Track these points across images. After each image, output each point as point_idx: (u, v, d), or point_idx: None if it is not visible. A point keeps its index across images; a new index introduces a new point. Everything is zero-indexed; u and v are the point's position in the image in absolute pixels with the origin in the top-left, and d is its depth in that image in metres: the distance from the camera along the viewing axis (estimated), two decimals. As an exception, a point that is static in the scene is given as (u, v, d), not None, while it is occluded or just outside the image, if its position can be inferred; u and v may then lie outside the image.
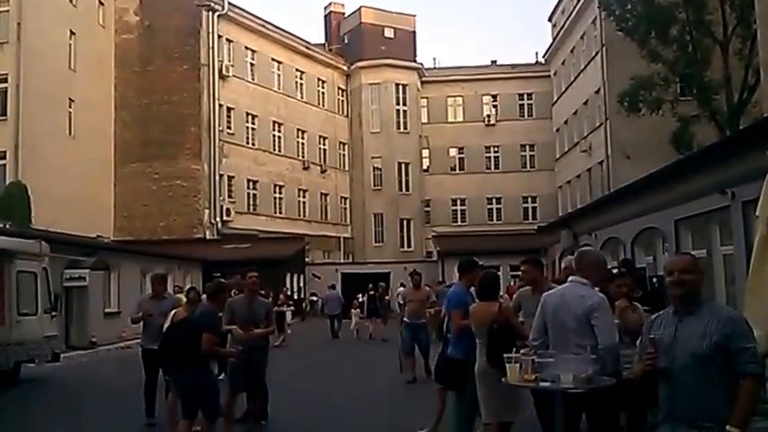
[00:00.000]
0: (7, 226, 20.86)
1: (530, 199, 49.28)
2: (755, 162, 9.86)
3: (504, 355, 5.68)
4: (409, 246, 47.61)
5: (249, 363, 8.29)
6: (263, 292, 19.05)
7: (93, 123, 35.13)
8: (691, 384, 3.75)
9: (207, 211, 37.21)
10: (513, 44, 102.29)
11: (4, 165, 30.14)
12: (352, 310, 27.68)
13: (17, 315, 14.35)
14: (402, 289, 16.36)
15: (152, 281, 10.51)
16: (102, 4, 37.19)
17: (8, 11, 30.83)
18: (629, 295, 6.74)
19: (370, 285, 26.63)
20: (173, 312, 8.83)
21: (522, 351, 5.45)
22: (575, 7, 40.54)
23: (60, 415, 11.09)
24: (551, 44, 47.37)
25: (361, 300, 27.45)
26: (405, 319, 14.08)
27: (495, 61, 52.30)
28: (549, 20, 49.83)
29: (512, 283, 25.77)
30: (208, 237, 36.98)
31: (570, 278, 5.51)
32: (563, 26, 43.76)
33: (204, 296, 8.58)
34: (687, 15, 26.22)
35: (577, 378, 4.93)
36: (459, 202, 50.20)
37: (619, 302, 6.51)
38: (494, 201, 49.85)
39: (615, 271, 8.01)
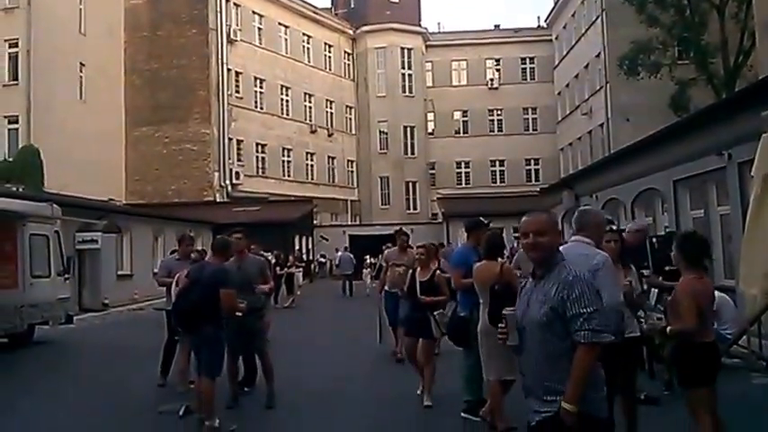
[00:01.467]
0: (20, 189, 20.85)
1: (532, 161, 49.17)
2: (751, 124, 9.79)
3: (504, 311, 5.70)
4: (415, 208, 47.64)
5: (243, 327, 7.86)
6: (268, 253, 19.18)
7: (104, 87, 34.91)
8: (536, 355, 3.51)
9: (216, 174, 37.21)
10: (515, 8, 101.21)
11: (17, 129, 30.04)
12: (364, 270, 28.26)
13: (30, 277, 14.30)
14: (387, 251, 12.71)
15: (179, 241, 10.12)
16: (112, -31, 36.80)
17: (18, -24, 30.58)
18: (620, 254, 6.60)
19: (383, 247, 26.59)
20: (177, 275, 8.53)
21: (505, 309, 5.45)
22: (576, -30, 40.19)
23: (73, 376, 11.13)
24: (553, 8, 46.95)
25: (371, 260, 27.61)
26: (385, 287, 11.49)
27: (499, 26, 52.05)
28: (552, -17, 49.29)
29: (515, 244, 25.86)
30: (218, 200, 37.00)
31: (572, 237, 5.34)
32: (564, -9, 43.38)
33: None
34: (684, -21, 26.04)
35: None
36: (463, 164, 50.10)
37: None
38: (497, 163, 49.74)
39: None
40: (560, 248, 5.27)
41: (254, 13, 41.27)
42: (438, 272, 8.36)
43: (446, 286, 8.17)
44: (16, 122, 30.09)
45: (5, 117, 30.23)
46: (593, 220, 5.43)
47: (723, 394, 5.39)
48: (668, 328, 5.40)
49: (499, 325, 3.77)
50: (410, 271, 8.75)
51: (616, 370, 5.22)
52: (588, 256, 4.99)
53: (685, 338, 5.26)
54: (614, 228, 7.38)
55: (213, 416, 6.91)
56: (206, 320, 6.94)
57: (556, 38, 46.87)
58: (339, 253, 31.17)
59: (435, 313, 7.96)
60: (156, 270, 12.09)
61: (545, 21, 49.34)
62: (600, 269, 4.92)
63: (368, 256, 28.83)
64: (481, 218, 8.48)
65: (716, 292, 5.92)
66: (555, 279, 3.49)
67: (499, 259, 7.10)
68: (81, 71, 33.27)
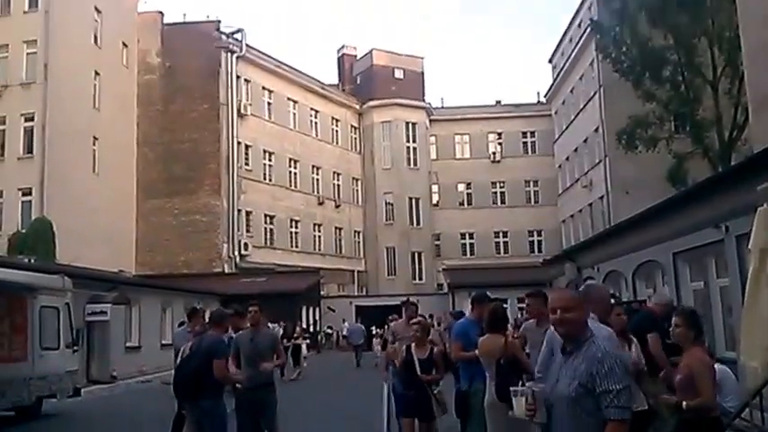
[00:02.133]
0: (31, 261, 20.83)
1: (535, 233, 49.19)
2: (747, 197, 9.83)
3: (511, 389, 5.64)
4: (421, 278, 47.49)
5: (254, 402, 7.74)
6: (275, 324, 19.07)
7: (117, 160, 35.30)
8: (565, 431, 3.50)
9: (225, 245, 37.27)
10: (515, 84, 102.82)
11: (30, 201, 30.16)
12: (374, 340, 28.44)
13: (40, 350, 14.19)
14: (394, 323, 11.78)
15: (190, 316, 9.94)
16: (126, 46, 37.52)
17: (36, 52, 31.13)
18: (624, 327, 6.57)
19: (390, 317, 26.45)
20: (182, 348, 8.36)
21: (527, 384, 5.40)
22: (573, 50, 40.85)
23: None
24: (552, 85, 47.65)
25: (380, 331, 27.49)
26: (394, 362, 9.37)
27: (500, 101, 52.59)
28: (550, 61, 50.13)
29: (519, 315, 25.70)
30: (226, 270, 36.95)
31: None
32: (563, 68, 44.03)
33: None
34: (679, 57, 26.40)
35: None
36: (467, 235, 50.11)
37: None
38: (501, 234, 49.77)
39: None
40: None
41: (263, 88, 41.94)
42: (436, 348, 8.11)
43: (443, 363, 7.96)
44: (29, 194, 30.25)
45: (19, 189, 30.43)
46: (598, 294, 5.40)
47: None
48: (684, 403, 5.27)
49: (528, 402, 3.82)
50: (404, 346, 8.30)
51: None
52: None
53: (697, 414, 5.18)
54: (619, 301, 7.37)
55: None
56: (204, 392, 6.88)
57: (555, 113, 47.42)
58: (346, 324, 31.18)
59: (435, 390, 7.73)
60: (163, 342, 12.10)
61: (544, 96, 50.04)
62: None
63: (374, 327, 28.74)
64: (488, 292, 8.44)
65: (717, 365, 5.89)
66: (584, 355, 3.52)
67: (508, 333, 7.08)
68: (94, 145, 33.70)
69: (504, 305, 7.94)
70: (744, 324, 8.12)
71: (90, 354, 21.08)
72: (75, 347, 16.08)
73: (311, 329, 34.22)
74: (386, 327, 25.88)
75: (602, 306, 5.37)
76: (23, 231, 28.66)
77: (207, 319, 9.24)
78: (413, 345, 8.02)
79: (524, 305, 7.57)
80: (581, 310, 3.71)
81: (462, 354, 7.52)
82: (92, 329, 21.22)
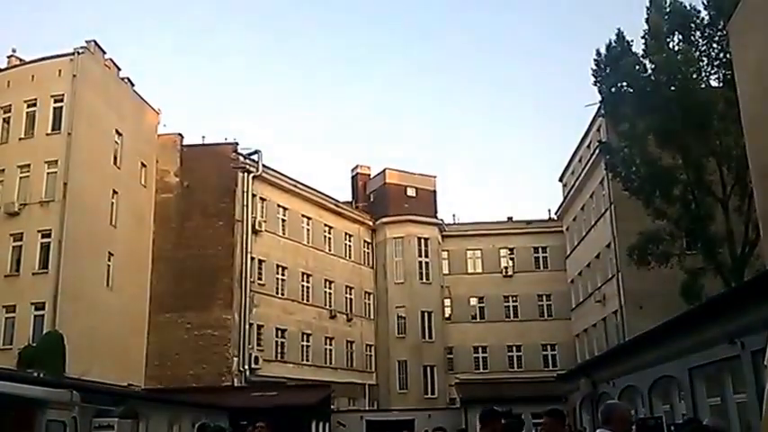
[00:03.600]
0: (40, 375, 20.66)
1: (549, 347, 48.45)
2: (761, 313, 9.74)
3: None
4: (433, 393, 46.57)
5: None
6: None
7: (131, 275, 35.49)
8: None
9: (236, 359, 36.86)
10: (527, 201, 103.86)
11: (43, 315, 30.12)
12: None
13: (44, 465, 13.91)
14: None
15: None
16: (145, 165, 38.34)
17: (56, 172, 31.83)
18: None
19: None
20: None
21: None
22: (583, 169, 41.43)
23: None
24: (563, 202, 48.12)
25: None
26: None
27: (511, 218, 52.83)
28: (560, 180, 50.80)
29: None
30: (236, 384, 36.35)
31: (598, 430, 5.39)
32: (573, 186, 44.54)
33: None
34: (688, 176, 26.67)
35: None
36: (480, 349, 49.42)
37: None
38: (514, 348, 49.03)
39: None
40: None
41: (278, 206, 42.43)
42: None
43: None
44: (42, 309, 30.23)
45: (32, 303, 30.45)
46: (619, 414, 5.49)
47: None
48: None
49: None
50: None
51: None
52: None
53: None
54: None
55: None
56: None
57: (566, 229, 47.67)
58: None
59: None
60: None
61: (555, 213, 50.42)
62: None
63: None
64: (495, 407, 8.23)
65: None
66: None
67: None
68: (109, 260, 33.96)
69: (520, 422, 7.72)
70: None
71: (95, 470, 20.53)
72: (80, 464, 15.69)
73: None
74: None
75: (623, 425, 5.44)
76: (34, 345, 28.54)
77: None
78: None
79: (541, 422, 7.36)
80: None
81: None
82: (98, 444, 20.75)
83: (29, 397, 13.90)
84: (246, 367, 37.06)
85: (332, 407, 39.05)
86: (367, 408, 43.99)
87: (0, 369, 18.46)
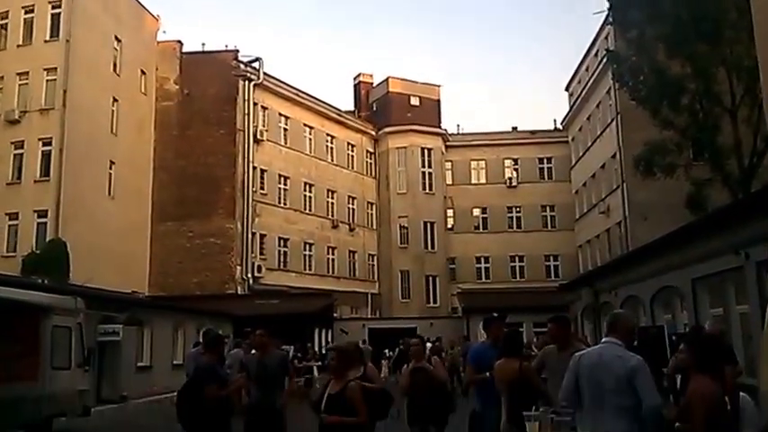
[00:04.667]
0: (45, 282, 20.91)
1: (551, 257, 48.82)
2: (767, 225, 9.70)
3: (524, 413, 5.55)
4: (435, 302, 47.23)
5: (263, 424, 7.69)
6: (287, 347, 18.96)
7: (132, 183, 35.59)
8: None
9: (239, 267, 37.24)
10: (532, 111, 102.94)
11: (45, 222, 30.42)
12: (382, 361, 28.58)
13: (51, 369, 14.19)
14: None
15: (214, 341, 9.60)
16: (144, 73, 37.95)
17: (55, 79, 31.59)
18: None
19: (401, 341, 26.30)
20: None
21: (541, 409, 5.33)
22: (590, 78, 40.87)
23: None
24: (569, 112, 47.63)
25: (389, 354, 27.43)
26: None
27: (516, 128, 52.44)
28: (567, 89, 50.21)
29: (534, 340, 25.53)
30: (239, 292, 36.88)
31: (604, 339, 5.41)
32: (579, 95, 44.03)
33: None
34: (697, 86, 26.19)
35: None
36: (483, 259, 49.85)
37: None
38: (516, 259, 49.44)
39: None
40: (593, 348, 5.20)
41: (280, 114, 42.09)
42: (353, 383, 6.17)
43: (363, 403, 6.01)
44: (45, 216, 30.50)
45: (35, 211, 30.69)
46: (625, 323, 5.51)
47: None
48: (677, 425, 5.29)
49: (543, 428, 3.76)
50: (328, 380, 6.53)
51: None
52: (623, 359, 5.10)
53: None
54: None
55: None
56: (203, 418, 6.78)
57: (572, 139, 47.33)
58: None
59: None
60: (175, 362, 12.07)
61: (561, 123, 49.95)
62: (638, 371, 5.01)
63: (386, 350, 28.70)
64: (494, 313, 8.37)
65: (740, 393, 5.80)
66: None
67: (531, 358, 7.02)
68: (111, 168, 34.03)
69: (520, 329, 7.84)
70: (764, 351, 7.92)
71: (101, 373, 21.03)
72: (87, 367, 16.05)
73: (323, 351, 34.03)
74: (396, 349, 25.93)
75: (628, 334, 5.46)
76: (38, 252, 28.83)
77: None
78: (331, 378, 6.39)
79: (545, 329, 7.44)
80: None
81: (475, 377, 7.47)
82: (103, 350, 21.18)
83: (34, 303, 14.11)
84: (249, 276, 37.47)
85: (335, 315, 39.71)
86: (369, 316, 44.68)
87: (5, 275, 18.61)
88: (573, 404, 5.20)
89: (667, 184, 27.22)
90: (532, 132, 50.87)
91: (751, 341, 12.03)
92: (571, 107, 46.96)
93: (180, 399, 7.24)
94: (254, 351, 8.91)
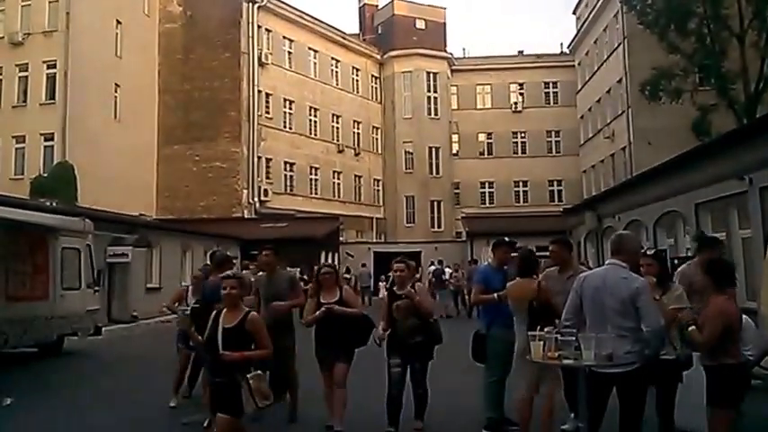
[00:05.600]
0: (53, 204, 20.99)
1: (555, 182, 48.78)
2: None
3: (528, 333, 5.59)
4: (439, 226, 47.42)
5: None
6: (291, 269, 19.13)
7: (138, 107, 35.37)
8: None
9: (245, 191, 37.30)
10: (539, 35, 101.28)
11: (52, 146, 30.39)
12: (380, 284, 29.62)
13: (61, 289, 14.41)
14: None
15: (221, 262, 9.53)
16: (147, -6, 37.41)
17: (57, 1, 31.13)
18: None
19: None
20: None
21: (546, 329, 5.38)
22: (598, 1, 40.08)
23: (100, 387, 11.07)
24: (575, 36, 46.83)
25: (387, 276, 27.90)
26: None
27: (522, 51, 51.76)
28: (574, 13, 49.22)
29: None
30: (246, 216, 37.00)
31: (608, 260, 5.40)
32: (587, 19, 43.24)
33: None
34: (705, 10, 25.80)
35: (599, 356, 4.85)
36: (487, 184, 49.80)
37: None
38: (521, 184, 49.40)
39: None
40: (597, 270, 5.24)
41: (284, 38, 41.50)
42: (253, 314, 5.72)
43: (266, 336, 5.59)
44: (51, 139, 30.47)
45: (41, 134, 30.64)
46: (630, 245, 5.49)
47: (744, 415, 5.30)
48: (691, 328, 5.44)
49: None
50: (215, 313, 5.79)
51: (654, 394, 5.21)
52: (628, 280, 5.09)
53: (712, 357, 5.31)
54: (655, 252, 7.36)
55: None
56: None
57: (578, 63, 46.70)
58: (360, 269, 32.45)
59: (249, 376, 5.40)
60: (184, 283, 12.21)
61: (567, 47, 49.20)
62: (641, 293, 5.01)
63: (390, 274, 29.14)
64: (506, 237, 8.33)
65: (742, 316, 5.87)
66: None
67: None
68: (116, 91, 33.79)
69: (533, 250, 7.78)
70: (765, 274, 7.98)
71: (111, 294, 21.40)
72: (97, 288, 16.28)
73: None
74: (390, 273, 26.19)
75: (633, 256, 5.47)
76: (45, 175, 28.92)
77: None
78: (224, 310, 5.69)
79: (547, 252, 7.45)
80: None
81: (483, 297, 7.48)
82: (113, 271, 21.48)
83: (43, 224, 14.21)
84: (256, 199, 37.57)
85: (340, 238, 39.93)
86: (374, 240, 44.95)
87: (14, 198, 18.69)
88: (576, 325, 5.23)
89: (672, 110, 27.05)
90: (538, 56, 50.15)
91: (753, 265, 12.11)
92: (578, 31, 46.17)
93: (194, 318, 7.34)
94: (260, 273, 8.97)
